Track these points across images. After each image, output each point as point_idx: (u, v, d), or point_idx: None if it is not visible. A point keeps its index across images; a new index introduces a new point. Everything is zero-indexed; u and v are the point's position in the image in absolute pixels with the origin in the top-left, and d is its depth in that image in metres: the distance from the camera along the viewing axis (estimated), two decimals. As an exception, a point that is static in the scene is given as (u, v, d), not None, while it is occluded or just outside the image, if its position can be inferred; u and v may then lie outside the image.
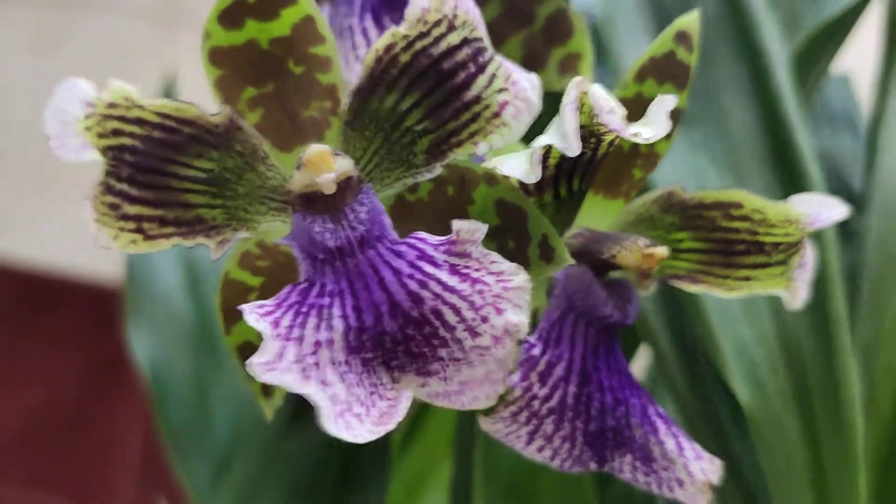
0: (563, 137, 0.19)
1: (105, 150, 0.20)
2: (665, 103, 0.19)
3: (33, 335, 0.89)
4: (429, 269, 0.19)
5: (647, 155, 0.25)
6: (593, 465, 0.24)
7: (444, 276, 0.18)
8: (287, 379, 0.18)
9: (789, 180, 0.33)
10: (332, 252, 0.19)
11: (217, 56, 0.20)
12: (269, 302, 0.18)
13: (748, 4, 0.35)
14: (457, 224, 0.19)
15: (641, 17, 0.36)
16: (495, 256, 0.19)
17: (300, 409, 0.37)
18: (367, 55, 0.20)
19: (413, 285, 0.18)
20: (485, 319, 0.18)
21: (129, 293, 0.43)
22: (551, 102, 0.30)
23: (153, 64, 0.81)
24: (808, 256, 0.26)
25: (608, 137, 0.21)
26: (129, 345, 0.44)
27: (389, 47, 0.20)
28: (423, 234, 0.19)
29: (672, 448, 0.23)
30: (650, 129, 0.19)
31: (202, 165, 0.20)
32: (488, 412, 0.23)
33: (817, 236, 0.33)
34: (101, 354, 0.86)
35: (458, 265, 0.19)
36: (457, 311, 0.18)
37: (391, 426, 0.18)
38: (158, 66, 0.82)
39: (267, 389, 0.23)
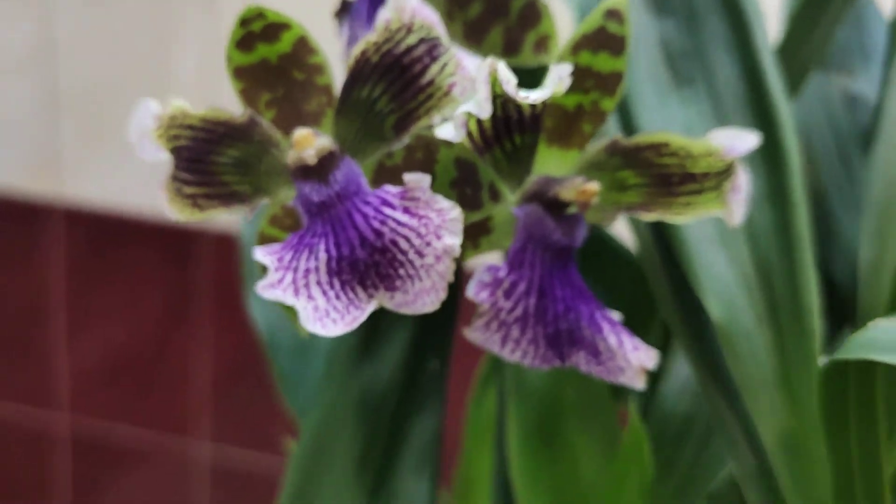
0: (478, 105, 0.25)
1: (171, 150, 0.28)
2: (555, 72, 0.26)
3: (108, 275, 0.98)
4: (388, 211, 0.26)
5: (592, 112, 0.31)
6: (557, 362, 0.30)
7: (398, 215, 0.25)
8: (282, 295, 0.25)
9: (763, 120, 0.38)
10: (318, 206, 0.26)
11: (238, 73, 0.27)
12: (278, 245, 0.26)
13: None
14: (407, 177, 0.26)
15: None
16: (438, 198, 0.26)
17: (370, 343, 0.45)
18: (348, 60, 0.27)
19: (376, 224, 0.26)
20: (429, 244, 0.25)
21: (245, 270, 0.52)
22: (528, 77, 0.36)
23: (200, 13, 0.89)
24: (740, 181, 0.31)
25: (523, 102, 0.27)
26: (248, 310, 0.53)
27: (364, 52, 0.27)
28: (388, 187, 0.26)
29: (614, 343, 0.29)
30: (536, 94, 0.25)
31: (232, 153, 0.27)
32: (468, 324, 0.30)
33: (782, 169, 0.38)
34: (173, 290, 0.95)
35: (410, 206, 0.26)
36: (408, 240, 0.25)
37: (357, 325, 0.25)
38: (204, 15, 0.90)
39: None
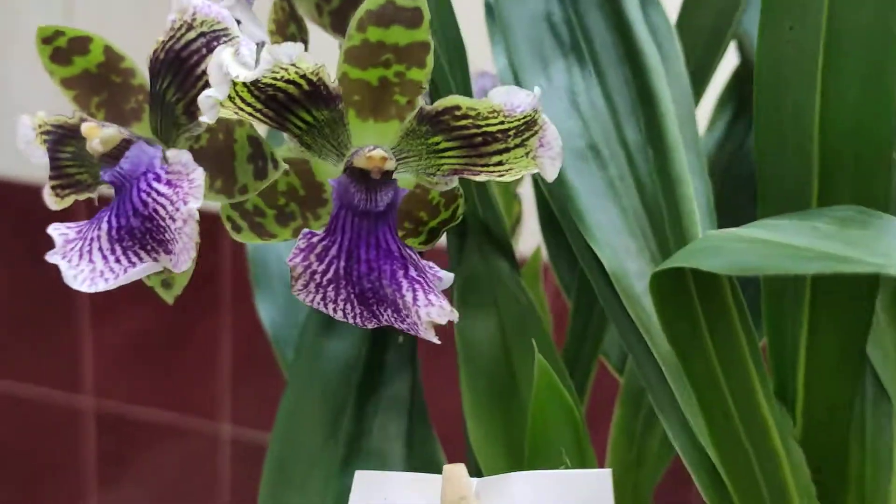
0: (215, 87, 0.28)
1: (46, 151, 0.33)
2: (267, 51, 0.28)
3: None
4: (155, 184, 0.30)
5: (401, 84, 0.33)
6: (374, 320, 0.32)
7: (161, 187, 0.29)
8: (60, 259, 0.29)
9: (636, 70, 0.39)
10: (111, 185, 0.30)
11: (66, 83, 0.33)
12: (83, 221, 0.31)
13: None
14: (168, 153, 0.30)
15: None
16: (195, 169, 0.29)
17: (334, 321, 0.49)
18: (148, 60, 0.32)
19: (144, 196, 0.30)
20: (178, 209, 0.29)
21: (253, 273, 0.58)
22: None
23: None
24: (549, 137, 0.32)
25: (280, 83, 0.30)
26: (257, 311, 0.58)
27: (155, 51, 0.31)
28: (164, 165, 0.30)
29: (410, 300, 0.31)
30: (247, 73, 0.28)
31: (71, 149, 0.32)
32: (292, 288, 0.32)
33: (657, 116, 0.38)
34: (196, 276, 0.99)
35: (172, 178, 0.29)
36: (164, 207, 0.29)
37: (127, 282, 0.29)
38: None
39: (166, 283, 0.35)
